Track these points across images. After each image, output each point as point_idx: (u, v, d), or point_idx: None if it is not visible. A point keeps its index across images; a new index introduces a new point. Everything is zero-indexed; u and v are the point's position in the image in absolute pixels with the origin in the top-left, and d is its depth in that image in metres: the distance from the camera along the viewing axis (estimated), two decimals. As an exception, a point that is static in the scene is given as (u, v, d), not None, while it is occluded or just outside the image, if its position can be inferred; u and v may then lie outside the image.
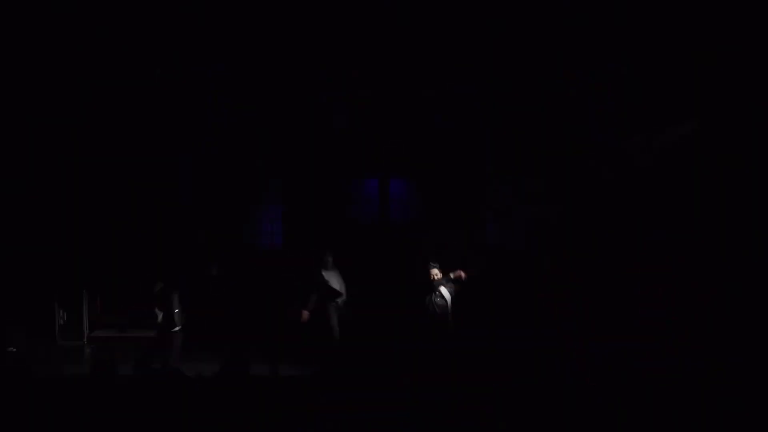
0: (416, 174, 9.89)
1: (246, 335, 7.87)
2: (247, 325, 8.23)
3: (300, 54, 8.36)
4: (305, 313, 8.01)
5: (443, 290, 7.29)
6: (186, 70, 8.38)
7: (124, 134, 8.95)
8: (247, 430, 4.15)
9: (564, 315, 8.64)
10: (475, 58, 8.45)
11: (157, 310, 7.34)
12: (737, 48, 7.62)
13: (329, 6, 7.67)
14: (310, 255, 8.77)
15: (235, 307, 8.57)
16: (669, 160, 9.00)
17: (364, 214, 9.96)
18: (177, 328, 7.22)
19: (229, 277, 8.96)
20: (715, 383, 5.87)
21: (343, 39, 8.18)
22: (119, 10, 7.27)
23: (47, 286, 8.71)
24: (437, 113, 9.24)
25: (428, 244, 9.23)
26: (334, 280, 8.34)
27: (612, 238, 9.08)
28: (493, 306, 8.77)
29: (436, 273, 7.30)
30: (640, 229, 8.96)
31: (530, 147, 9.30)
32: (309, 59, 8.46)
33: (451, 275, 7.32)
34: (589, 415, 5.09)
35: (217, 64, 8.41)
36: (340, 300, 8.33)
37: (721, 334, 8.23)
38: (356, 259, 9.20)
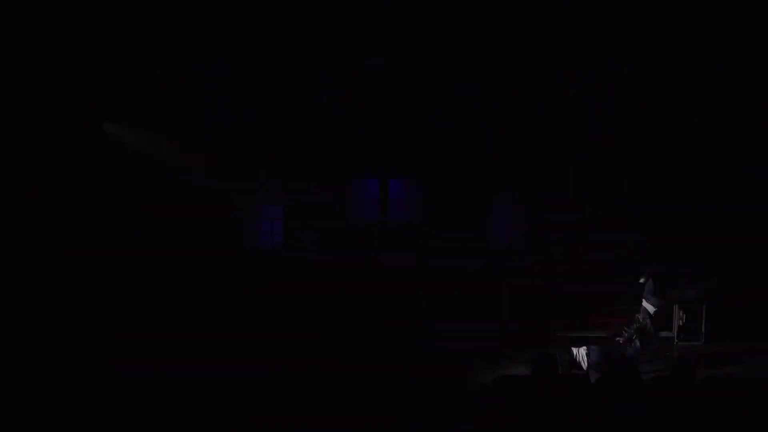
0: (416, 174, 9.88)
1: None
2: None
3: (300, 54, 8.35)
4: None
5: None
6: (186, 70, 8.36)
7: (123, 133, 8.94)
8: None
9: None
10: (475, 58, 8.45)
11: None
12: (737, 48, 7.64)
13: (329, 6, 7.65)
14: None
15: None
16: (669, 159, 9.04)
17: (364, 214, 9.96)
18: None
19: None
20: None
21: (343, 39, 8.17)
22: (119, 9, 7.25)
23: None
24: (437, 113, 9.23)
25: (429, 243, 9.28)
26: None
27: (613, 236, 9.12)
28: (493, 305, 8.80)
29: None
30: (640, 228, 9.00)
31: (531, 146, 9.31)
32: (309, 59, 8.45)
33: None
34: (589, 414, 5.09)
35: (217, 64, 8.39)
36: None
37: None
38: (356, 259, 9.23)
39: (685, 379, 4.29)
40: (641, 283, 7.89)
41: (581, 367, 7.02)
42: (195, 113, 9.00)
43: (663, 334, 8.06)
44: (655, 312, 7.61)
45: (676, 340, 8.42)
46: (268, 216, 9.93)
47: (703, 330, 8.33)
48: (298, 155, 9.41)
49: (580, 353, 7.10)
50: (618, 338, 7.89)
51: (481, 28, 7.97)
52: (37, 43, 7.42)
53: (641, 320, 7.64)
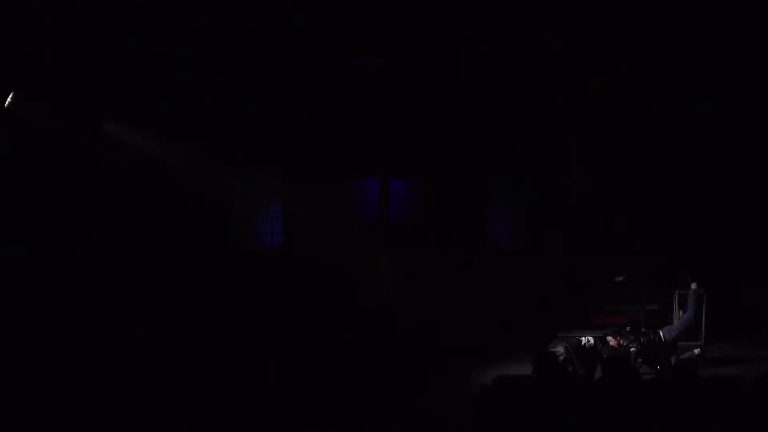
0: (417, 173, 9.87)
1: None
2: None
3: (301, 53, 8.35)
4: None
5: None
6: (185, 67, 8.34)
7: (121, 132, 8.90)
8: None
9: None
10: (475, 58, 8.44)
11: None
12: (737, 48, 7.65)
13: (330, 4, 7.65)
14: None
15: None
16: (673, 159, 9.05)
17: (364, 214, 9.94)
18: None
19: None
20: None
21: (344, 38, 8.17)
22: (120, 5, 7.25)
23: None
24: (437, 113, 9.22)
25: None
26: None
27: (614, 235, 9.12)
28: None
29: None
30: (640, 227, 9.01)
31: (531, 146, 9.31)
32: (310, 58, 8.45)
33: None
34: (591, 413, 5.08)
35: (218, 62, 8.38)
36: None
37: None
38: (355, 259, 9.23)
39: (687, 379, 4.27)
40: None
41: (589, 355, 6.80)
42: (194, 111, 8.97)
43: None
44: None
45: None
46: (268, 216, 9.90)
47: (703, 330, 8.28)
48: (298, 155, 9.38)
49: (588, 341, 6.91)
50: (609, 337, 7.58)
51: (481, 27, 7.98)
52: (37, 40, 7.40)
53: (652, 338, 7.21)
